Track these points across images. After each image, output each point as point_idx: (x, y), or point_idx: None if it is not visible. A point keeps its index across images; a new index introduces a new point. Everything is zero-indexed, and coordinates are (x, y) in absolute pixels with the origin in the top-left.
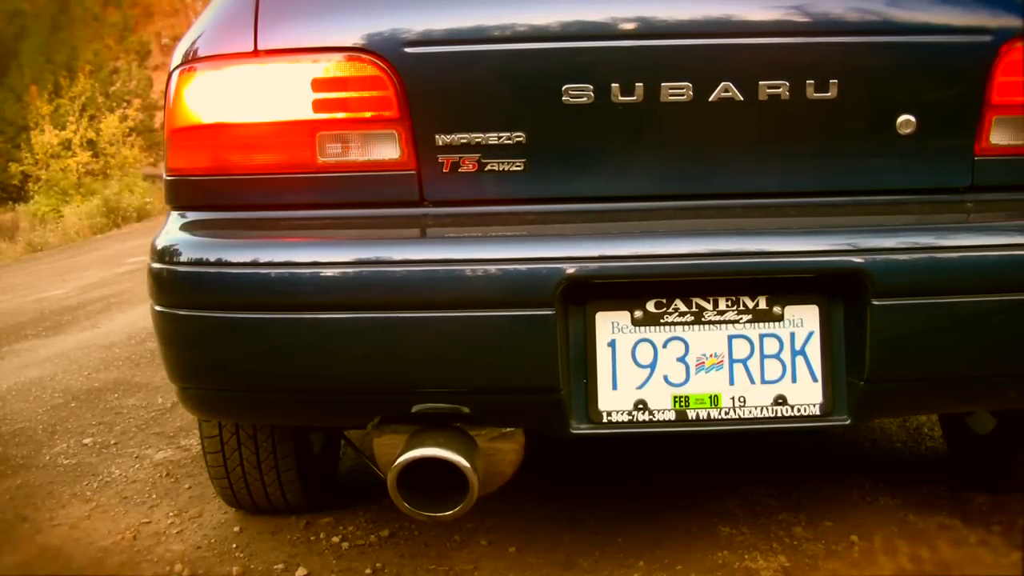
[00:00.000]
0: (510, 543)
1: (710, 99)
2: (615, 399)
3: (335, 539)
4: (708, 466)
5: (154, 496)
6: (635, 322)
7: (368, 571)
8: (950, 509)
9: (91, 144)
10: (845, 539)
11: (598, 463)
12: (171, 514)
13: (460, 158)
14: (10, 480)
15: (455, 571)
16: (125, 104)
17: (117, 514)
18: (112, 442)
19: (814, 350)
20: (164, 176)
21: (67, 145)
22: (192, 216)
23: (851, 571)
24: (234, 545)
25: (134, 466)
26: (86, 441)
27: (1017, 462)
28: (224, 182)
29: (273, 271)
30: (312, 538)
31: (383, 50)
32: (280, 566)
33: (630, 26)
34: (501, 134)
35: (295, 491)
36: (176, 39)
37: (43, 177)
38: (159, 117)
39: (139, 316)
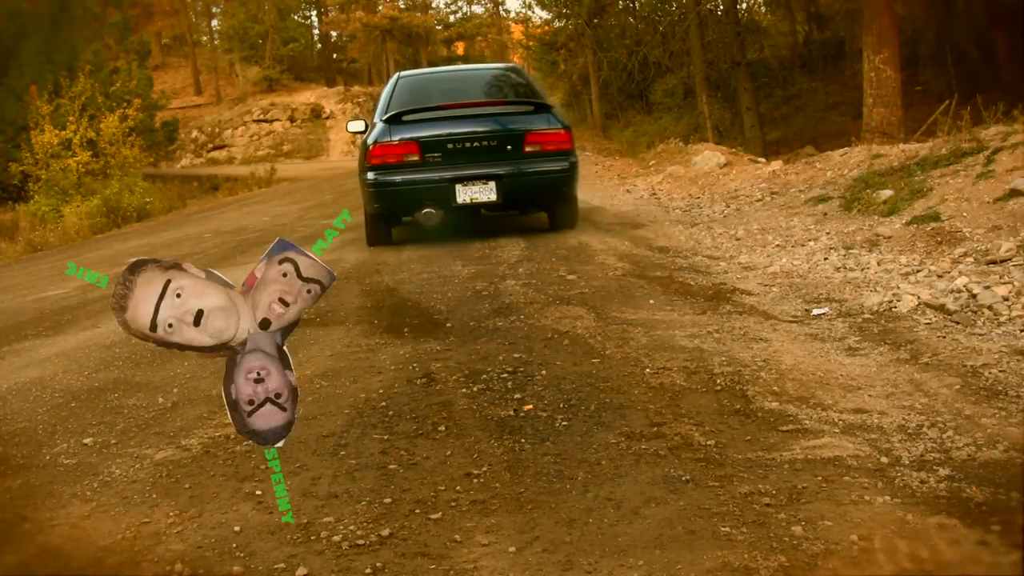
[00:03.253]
0: (510, 543)
1: (474, 145)
2: (459, 199)
3: (335, 539)
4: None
5: (154, 496)
6: (462, 187)
7: (368, 571)
8: (949, 509)
9: (91, 144)
10: (845, 539)
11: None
12: (171, 514)
13: (430, 157)
14: (10, 480)
15: (455, 571)
16: (125, 104)
17: (117, 514)
18: (112, 442)
19: (494, 191)
20: (369, 164)
21: (67, 145)
22: (377, 171)
23: (851, 571)
24: (234, 545)
25: (134, 466)
26: (86, 441)
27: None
28: (385, 164)
29: (395, 179)
30: (312, 538)
31: (416, 139)
32: (280, 566)
33: (457, 134)
34: (437, 153)
35: (387, 237)
36: (176, 39)
37: (43, 177)
38: (159, 117)
39: None
